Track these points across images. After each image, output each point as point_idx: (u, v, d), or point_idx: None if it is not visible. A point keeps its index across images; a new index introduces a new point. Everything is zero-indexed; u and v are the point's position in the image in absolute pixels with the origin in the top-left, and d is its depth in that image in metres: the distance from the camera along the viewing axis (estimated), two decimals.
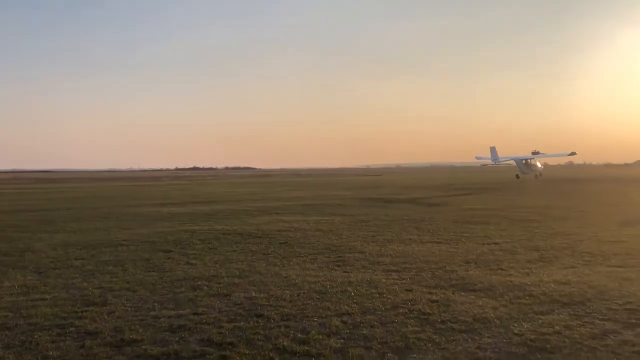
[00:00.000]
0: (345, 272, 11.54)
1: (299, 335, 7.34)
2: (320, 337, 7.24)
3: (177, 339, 7.30)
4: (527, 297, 9.11)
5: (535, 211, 25.16)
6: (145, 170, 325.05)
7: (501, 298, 9.10)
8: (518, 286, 9.92)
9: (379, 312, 8.36)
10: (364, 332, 7.43)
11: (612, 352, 6.53)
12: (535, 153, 75.29)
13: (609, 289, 9.60)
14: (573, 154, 75.43)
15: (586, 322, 7.74)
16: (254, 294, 9.59)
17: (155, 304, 9.01)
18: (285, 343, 7.03)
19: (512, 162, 73.74)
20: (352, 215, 24.50)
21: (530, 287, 9.85)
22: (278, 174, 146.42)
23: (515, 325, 7.61)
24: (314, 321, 7.95)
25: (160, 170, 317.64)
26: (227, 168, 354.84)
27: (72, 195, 48.18)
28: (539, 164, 73.09)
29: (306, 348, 6.84)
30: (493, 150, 74.27)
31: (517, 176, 72.29)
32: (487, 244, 15.30)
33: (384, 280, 10.63)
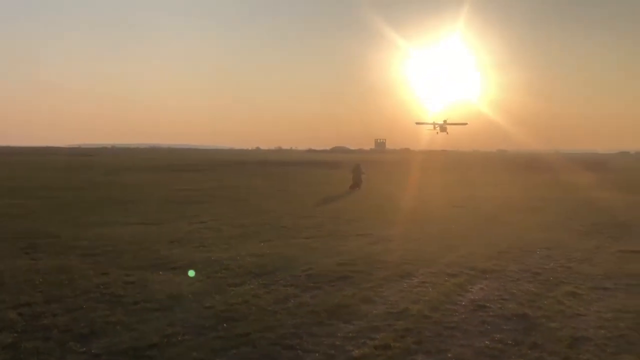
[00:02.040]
0: (34, 259, 10.35)
1: None
2: None
3: None
4: (224, 271, 9.50)
5: (244, 191, 26.59)
6: None
7: (199, 274, 9.28)
8: (217, 261, 10.28)
9: (67, 300, 7.69)
10: (45, 322, 6.73)
11: (290, 314, 7.22)
12: (444, 121, 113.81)
13: (296, 258, 10.65)
14: (465, 124, 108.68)
15: (273, 289, 8.42)
16: None
17: None
18: None
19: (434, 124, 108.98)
20: (54, 197, 22.18)
21: (228, 261, 10.30)
22: None
23: (208, 298, 7.83)
24: None
25: None
26: None
27: None
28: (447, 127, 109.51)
29: None
30: (430, 119, 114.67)
31: (437, 132, 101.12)
32: (195, 222, 15.51)
33: (78, 265, 9.84)
